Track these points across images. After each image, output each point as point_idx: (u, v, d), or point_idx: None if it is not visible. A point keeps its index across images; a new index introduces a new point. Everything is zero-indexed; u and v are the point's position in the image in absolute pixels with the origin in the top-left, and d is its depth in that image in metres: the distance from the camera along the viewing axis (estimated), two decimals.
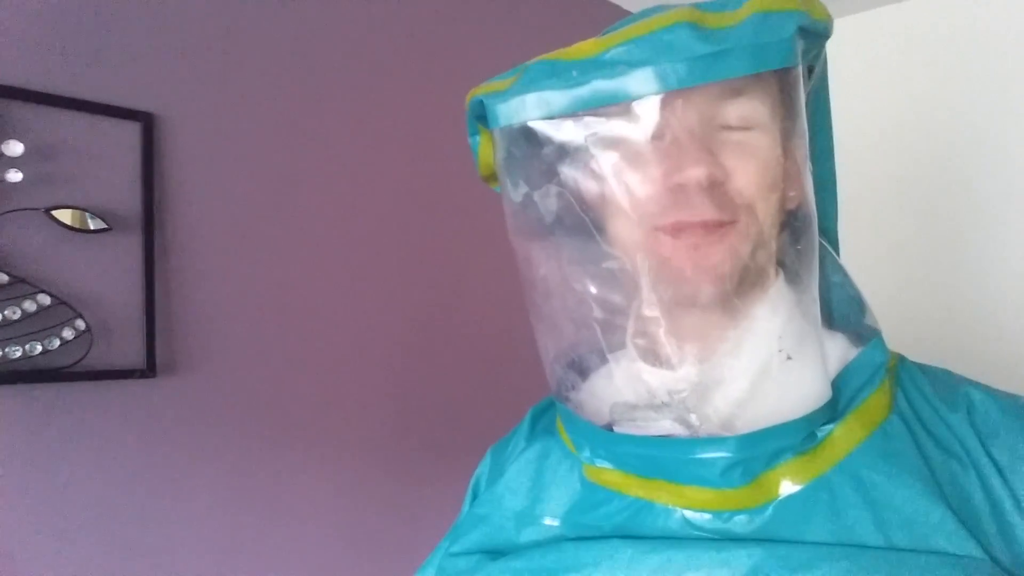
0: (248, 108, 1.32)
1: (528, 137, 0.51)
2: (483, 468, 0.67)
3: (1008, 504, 0.47)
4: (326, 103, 1.43)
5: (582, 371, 0.58)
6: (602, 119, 0.49)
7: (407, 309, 1.56)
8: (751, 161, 0.49)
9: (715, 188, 0.48)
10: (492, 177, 0.63)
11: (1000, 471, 0.48)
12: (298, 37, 1.39)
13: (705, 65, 0.44)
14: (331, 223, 1.44)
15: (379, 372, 1.51)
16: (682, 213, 0.48)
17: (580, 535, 0.52)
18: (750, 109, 0.49)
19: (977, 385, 0.54)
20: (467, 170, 1.65)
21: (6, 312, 1.04)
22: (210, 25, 1.28)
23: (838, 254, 0.59)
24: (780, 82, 0.49)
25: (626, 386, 0.54)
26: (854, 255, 0.63)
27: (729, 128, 0.49)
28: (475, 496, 0.67)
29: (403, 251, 1.55)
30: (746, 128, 0.50)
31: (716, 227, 0.49)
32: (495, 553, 0.55)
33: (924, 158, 2.02)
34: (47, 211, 1.08)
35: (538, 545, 0.53)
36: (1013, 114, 1.83)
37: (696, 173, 0.47)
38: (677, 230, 0.49)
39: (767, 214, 0.50)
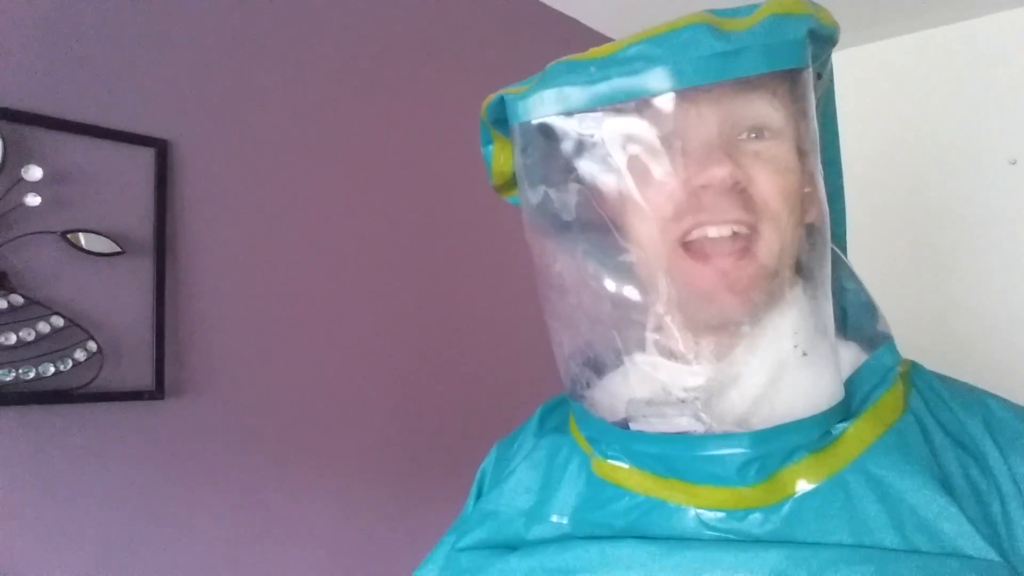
0: (259, 135, 1.35)
1: (547, 133, 0.52)
2: (488, 463, 0.67)
3: (1021, 514, 0.46)
4: (335, 131, 1.47)
5: (598, 368, 0.58)
6: (621, 115, 0.49)
7: (413, 330, 1.57)
8: (771, 169, 0.50)
9: (737, 192, 0.49)
10: (504, 187, 0.63)
11: (1016, 482, 0.47)
12: (308, 66, 1.43)
13: (720, 63, 0.45)
14: (339, 248, 1.46)
15: (387, 393, 1.51)
16: (703, 216, 0.49)
17: (588, 533, 0.51)
18: (766, 115, 0.50)
19: (994, 395, 0.54)
20: (476, 193, 1.68)
21: (21, 333, 1.05)
22: (222, 54, 1.31)
23: (848, 260, 0.60)
24: (792, 85, 0.50)
25: (642, 383, 0.54)
26: (858, 266, 0.65)
27: (748, 138, 0.50)
28: (480, 491, 0.66)
29: (410, 275, 1.57)
30: (764, 138, 0.50)
31: (742, 246, 0.49)
32: (502, 549, 0.54)
33: (925, 175, 2.07)
34: (63, 234, 1.10)
35: (548, 543, 0.52)
36: (1017, 129, 1.89)
37: (719, 172, 0.48)
38: (703, 255, 0.49)
39: (789, 224, 0.51)
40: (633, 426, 0.52)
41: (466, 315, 1.68)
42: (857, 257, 0.65)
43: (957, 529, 0.44)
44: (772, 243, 0.50)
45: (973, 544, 0.44)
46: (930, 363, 0.58)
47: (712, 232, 0.49)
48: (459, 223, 1.68)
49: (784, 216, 0.50)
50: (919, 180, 2.11)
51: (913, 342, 0.68)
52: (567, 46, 1.94)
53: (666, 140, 0.49)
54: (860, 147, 1.96)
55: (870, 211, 2.02)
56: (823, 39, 0.50)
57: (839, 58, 2.09)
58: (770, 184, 0.50)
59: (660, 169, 0.49)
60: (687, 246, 0.50)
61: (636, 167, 0.50)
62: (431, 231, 1.62)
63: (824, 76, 0.56)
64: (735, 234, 0.49)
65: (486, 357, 1.71)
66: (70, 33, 1.13)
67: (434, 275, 1.62)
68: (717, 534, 0.47)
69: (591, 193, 0.52)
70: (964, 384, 0.56)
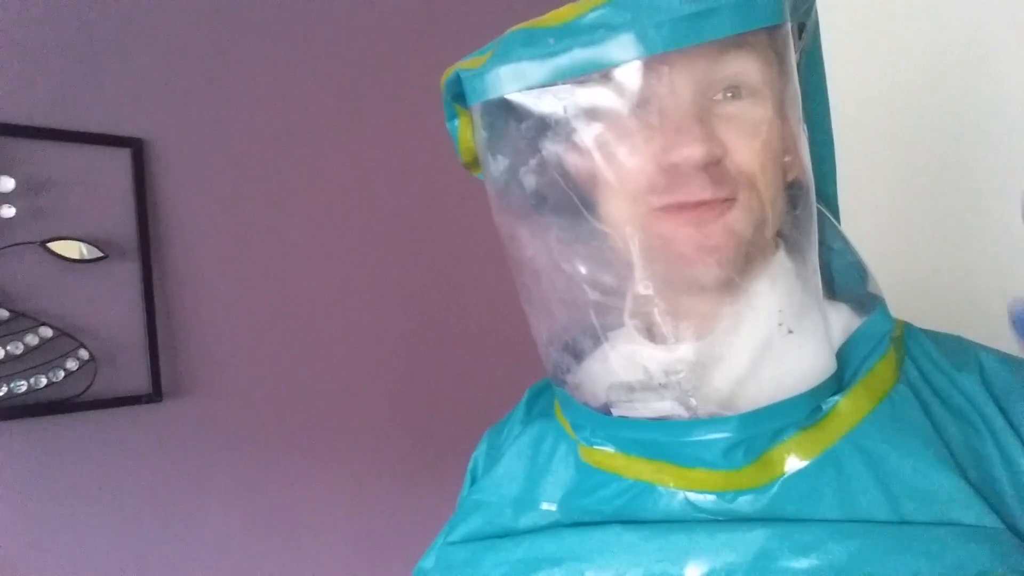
0: (238, 128, 1.32)
1: (507, 111, 0.49)
2: (479, 452, 0.66)
3: None
4: (315, 121, 1.43)
5: (577, 354, 0.56)
6: (584, 88, 0.46)
7: (407, 317, 1.55)
8: (749, 134, 0.47)
9: (712, 166, 0.46)
10: (474, 163, 0.60)
11: (1018, 433, 0.46)
12: (284, 58, 1.39)
13: (690, 25, 0.41)
14: (327, 238, 1.44)
15: (382, 381, 1.50)
16: (678, 194, 0.46)
17: (578, 520, 0.50)
18: (742, 75, 0.47)
19: (987, 349, 0.52)
20: (466, 178, 1.65)
21: (8, 347, 1.03)
22: (195, 48, 1.28)
23: (838, 220, 0.57)
24: (770, 41, 0.46)
25: (623, 367, 0.52)
26: (854, 222, 0.62)
27: (722, 99, 0.47)
28: (473, 481, 0.65)
29: (400, 261, 1.55)
30: (739, 98, 0.47)
31: (717, 212, 0.46)
32: (493, 539, 0.53)
33: (929, 120, 2.02)
34: (43, 244, 1.08)
35: (536, 532, 0.51)
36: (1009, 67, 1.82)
37: (691, 152, 0.44)
38: (676, 219, 0.46)
39: (768, 188, 0.48)
40: (615, 412, 0.50)
41: (463, 302, 1.66)
42: (848, 216, 0.62)
43: (953, 497, 0.43)
44: (749, 209, 0.47)
45: (971, 511, 0.42)
46: (930, 325, 0.56)
47: (684, 208, 0.47)
48: (450, 208, 1.65)
49: (762, 181, 0.47)
50: (906, 125, 2.06)
51: (909, 303, 0.65)
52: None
53: (635, 112, 0.46)
54: (840, 93, 1.89)
55: (851, 160, 1.97)
56: None
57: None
58: (747, 151, 0.46)
59: (630, 144, 0.46)
60: (660, 211, 0.47)
61: (604, 142, 0.47)
62: (421, 218, 1.60)
63: (808, 25, 0.53)
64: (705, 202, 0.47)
65: (486, 342, 1.69)
66: (34, 37, 1.10)
67: (427, 264, 1.60)
68: (707, 516, 0.46)
69: (558, 172, 0.49)
70: (956, 340, 0.54)
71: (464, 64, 0.50)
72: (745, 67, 0.47)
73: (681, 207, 0.46)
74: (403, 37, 1.59)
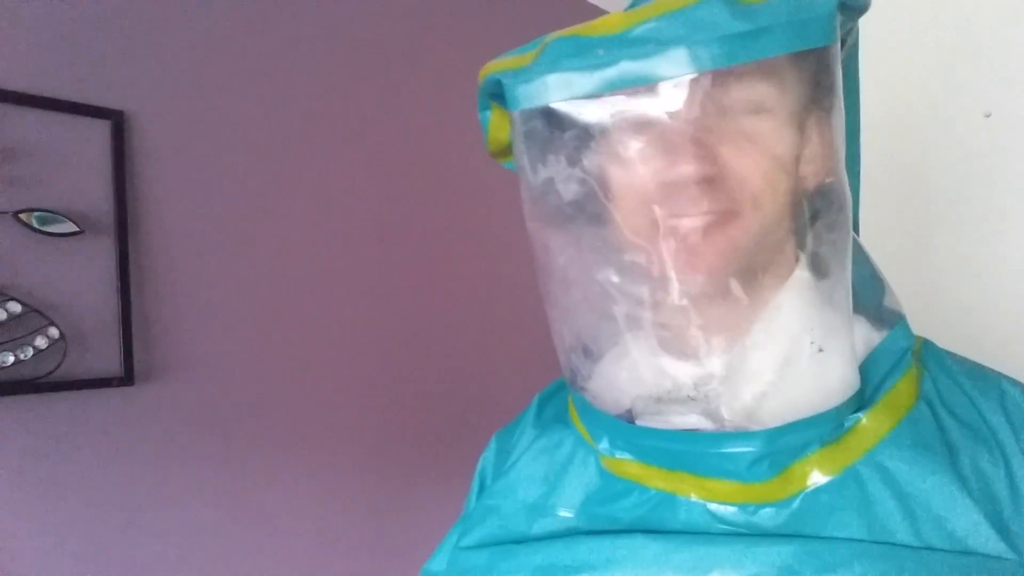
0: (222, 103, 1.28)
1: (549, 119, 0.49)
2: (488, 456, 0.65)
3: None
4: (302, 97, 1.40)
5: (598, 361, 0.56)
6: (631, 99, 0.46)
7: (390, 308, 1.53)
8: (759, 150, 0.47)
9: (710, 182, 0.46)
10: (501, 153, 0.60)
11: None
12: (271, 30, 1.35)
13: (741, 44, 0.41)
14: (311, 221, 1.41)
15: (362, 372, 1.48)
16: (676, 208, 0.47)
17: (596, 527, 0.50)
18: (760, 95, 0.47)
19: (1010, 378, 0.53)
20: (459, 172, 1.63)
21: None
22: (180, 19, 1.23)
23: (857, 234, 0.58)
24: (817, 60, 0.46)
25: (650, 378, 0.52)
26: (872, 239, 0.63)
27: (736, 116, 0.47)
28: (482, 485, 0.64)
29: (386, 249, 1.52)
30: (755, 115, 0.47)
31: (714, 223, 0.47)
32: (508, 545, 0.53)
33: (900, 131, 2.05)
34: (15, 214, 1.03)
35: (555, 538, 0.51)
36: (992, 81, 1.87)
37: (687, 170, 0.46)
38: (676, 234, 0.48)
39: (775, 202, 0.48)
40: (639, 422, 0.51)
41: (450, 295, 1.64)
42: (867, 232, 0.62)
43: (969, 525, 0.44)
44: (752, 221, 0.48)
45: (989, 543, 0.43)
46: (947, 346, 0.56)
47: (685, 222, 0.48)
48: (441, 198, 1.62)
49: (769, 198, 0.48)
50: (894, 136, 2.11)
51: (926, 323, 0.66)
52: (550, 18, 1.88)
53: (672, 125, 0.46)
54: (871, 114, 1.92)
55: (880, 185, 2.00)
56: (854, 9, 0.46)
57: None
58: (753, 168, 0.47)
59: (669, 160, 0.47)
60: (670, 224, 0.48)
61: (646, 158, 0.47)
62: (408, 206, 1.57)
63: (848, 42, 0.53)
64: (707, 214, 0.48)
65: (472, 338, 1.68)
66: (14, 1, 1.05)
67: (412, 255, 1.58)
68: (728, 528, 0.46)
69: (597, 183, 0.50)
70: (976, 365, 0.54)
71: (504, 64, 0.49)
72: (764, 88, 0.47)
73: (682, 227, 0.47)
74: (391, 20, 1.56)
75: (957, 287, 1.95)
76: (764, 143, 0.47)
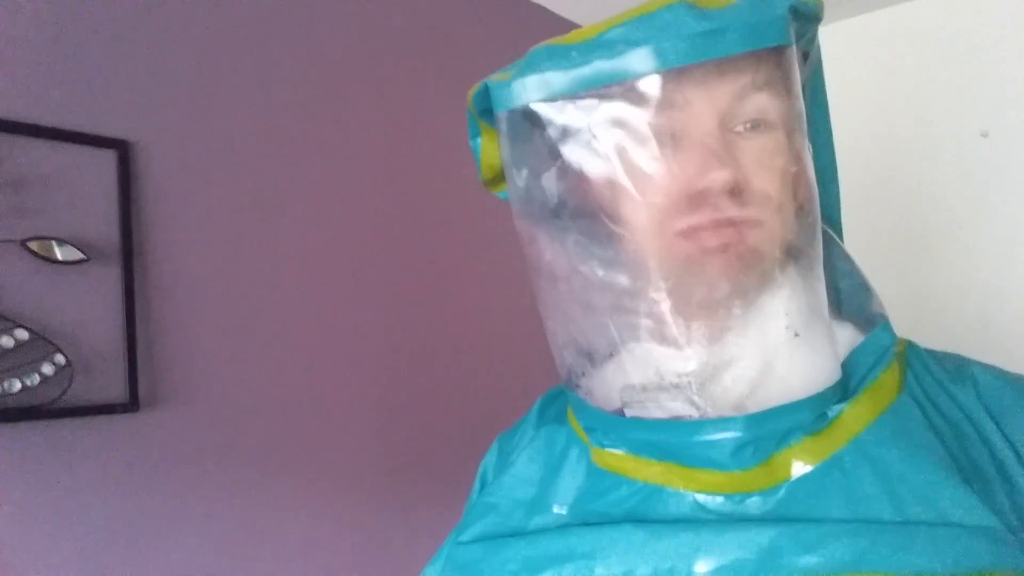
0: (228, 133, 1.31)
1: (531, 120, 0.52)
2: (490, 457, 0.67)
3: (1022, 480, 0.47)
4: (308, 127, 1.43)
5: (592, 358, 0.57)
6: (606, 100, 0.49)
7: (391, 336, 1.54)
8: (770, 164, 0.50)
9: (736, 191, 0.48)
10: (493, 181, 0.62)
11: (1014, 447, 0.48)
12: (277, 61, 1.39)
13: (702, 42, 0.45)
14: (316, 250, 1.43)
15: (364, 400, 1.48)
16: (703, 216, 0.48)
17: (589, 522, 0.51)
18: (762, 111, 0.50)
19: (982, 364, 0.54)
20: (460, 186, 1.65)
21: None
22: (185, 49, 1.26)
23: (842, 241, 0.59)
24: (776, 64, 0.50)
25: (636, 369, 0.53)
26: (868, 253, 0.64)
27: (745, 131, 0.50)
28: (483, 485, 0.66)
29: (387, 278, 1.54)
30: (760, 130, 0.50)
31: (737, 233, 0.49)
32: (504, 538, 0.54)
33: (898, 150, 2.07)
34: (23, 243, 1.05)
35: (546, 530, 0.52)
36: (1009, 109, 1.89)
37: (720, 177, 0.47)
38: (697, 239, 0.49)
39: (789, 212, 0.51)
40: (628, 413, 0.52)
41: (453, 315, 1.65)
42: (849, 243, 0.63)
43: (955, 500, 0.45)
44: (770, 230, 0.50)
45: (972, 513, 0.44)
46: (907, 337, 0.58)
47: (708, 229, 0.49)
48: (444, 218, 1.64)
49: (782, 205, 0.50)
50: (892, 155, 2.12)
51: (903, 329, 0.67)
52: (540, 35, 1.92)
53: (656, 128, 0.48)
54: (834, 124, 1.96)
55: (844, 188, 2.02)
56: (807, 17, 0.50)
57: None
58: (768, 179, 0.49)
59: (653, 160, 0.49)
60: (684, 231, 0.50)
61: (626, 154, 0.49)
62: (414, 227, 1.59)
63: (812, 55, 0.56)
64: (731, 222, 0.49)
65: (475, 357, 1.68)
66: (20, 32, 1.08)
67: (419, 273, 1.59)
68: (716, 518, 0.48)
69: (579, 179, 0.52)
70: (951, 356, 0.56)
71: (492, 77, 0.53)
72: (765, 104, 0.50)
73: (699, 233, 0.49)
74: (393, 40, 1.60)
75: (956, 303, 1.96)
76: (775, 157, 0.50)
